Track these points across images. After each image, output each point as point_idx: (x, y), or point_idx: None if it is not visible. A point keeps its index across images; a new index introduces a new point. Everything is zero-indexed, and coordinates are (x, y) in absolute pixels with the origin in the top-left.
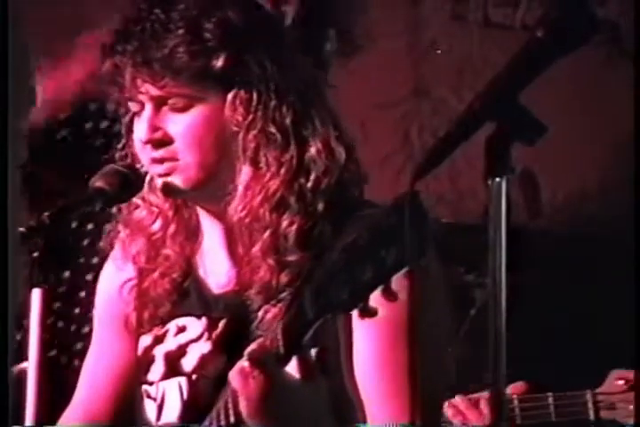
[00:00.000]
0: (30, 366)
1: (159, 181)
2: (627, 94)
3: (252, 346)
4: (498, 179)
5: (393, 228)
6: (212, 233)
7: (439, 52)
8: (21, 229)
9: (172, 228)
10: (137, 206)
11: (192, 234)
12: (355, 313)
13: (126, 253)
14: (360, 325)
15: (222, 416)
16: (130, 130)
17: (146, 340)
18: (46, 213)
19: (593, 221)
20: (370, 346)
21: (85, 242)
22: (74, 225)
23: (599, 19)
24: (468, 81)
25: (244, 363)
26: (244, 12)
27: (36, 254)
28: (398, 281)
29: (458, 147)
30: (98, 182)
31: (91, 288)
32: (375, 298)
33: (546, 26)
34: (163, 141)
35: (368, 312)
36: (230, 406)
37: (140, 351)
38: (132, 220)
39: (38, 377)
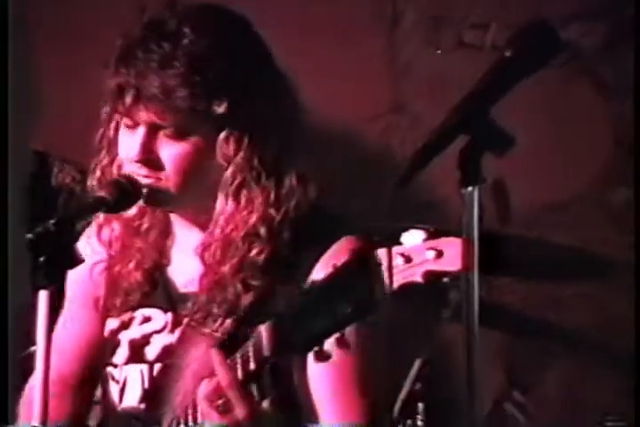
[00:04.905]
0: (38, 363)
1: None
2: (589, 109)
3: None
4: (471, 188)
5: (348, 281)
6: (186, 238)
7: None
8: (29, 235)
9: (145, 224)
10: None
11: (163, 232)
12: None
13: (100, 235)
14: (314, 365)
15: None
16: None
17: (113, 323)
18: (52, 221)
19: (561, 229)
20: (323, 387)
21: None
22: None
23: (562, 40)
24: (442, 97)
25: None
26: (250, 57)
27: (42, 259)
28: (351, 332)
29: (434, 158)
30: (100, 192)
31: None
32: (329, 344)
33: (514, 46)
34: (152, 163)
35: (323, 357)
36: (190, 412)
37: (106, 333)
38: None
39: (45, 375)
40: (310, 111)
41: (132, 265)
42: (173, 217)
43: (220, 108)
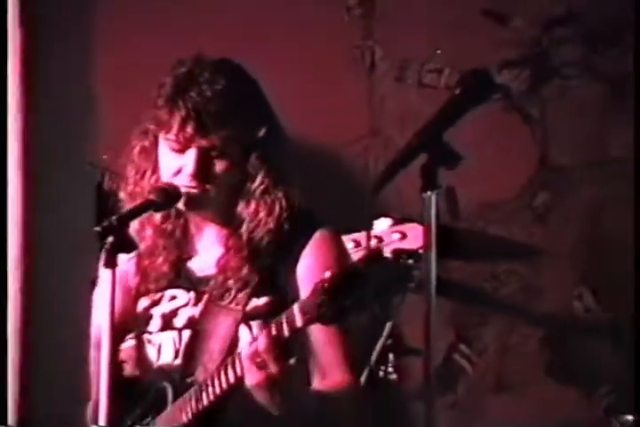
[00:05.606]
0: (104, 337)
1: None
2: (518, 135)
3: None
4: (429, 193)
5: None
6: (206, 234)
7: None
8: (96, 228)
9: (170, 226)
10: None
11: (184, 232)
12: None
13: (138, 235)
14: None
15: (223, 376)
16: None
17: (144, 302)
18: (114, 217)
19: (497, 224)
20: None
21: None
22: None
23: (497, 83)
24: (408, 124)
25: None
26: (263, 98)
27: (108, 246)
28: None
29: (401, 171)
30: (150, 195)
31: None
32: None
33: (462, 86)
34: (202, 177)
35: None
36: (230, 367)
37: (139, 309)
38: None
39: (112, 352)
40: (305, 136)
41: (160, 260)
42: (193, 219)
43: (260, 133)
